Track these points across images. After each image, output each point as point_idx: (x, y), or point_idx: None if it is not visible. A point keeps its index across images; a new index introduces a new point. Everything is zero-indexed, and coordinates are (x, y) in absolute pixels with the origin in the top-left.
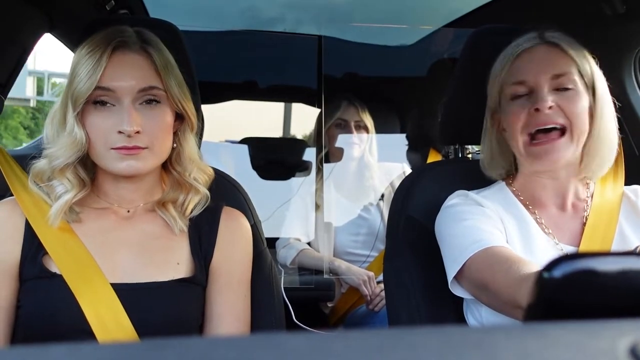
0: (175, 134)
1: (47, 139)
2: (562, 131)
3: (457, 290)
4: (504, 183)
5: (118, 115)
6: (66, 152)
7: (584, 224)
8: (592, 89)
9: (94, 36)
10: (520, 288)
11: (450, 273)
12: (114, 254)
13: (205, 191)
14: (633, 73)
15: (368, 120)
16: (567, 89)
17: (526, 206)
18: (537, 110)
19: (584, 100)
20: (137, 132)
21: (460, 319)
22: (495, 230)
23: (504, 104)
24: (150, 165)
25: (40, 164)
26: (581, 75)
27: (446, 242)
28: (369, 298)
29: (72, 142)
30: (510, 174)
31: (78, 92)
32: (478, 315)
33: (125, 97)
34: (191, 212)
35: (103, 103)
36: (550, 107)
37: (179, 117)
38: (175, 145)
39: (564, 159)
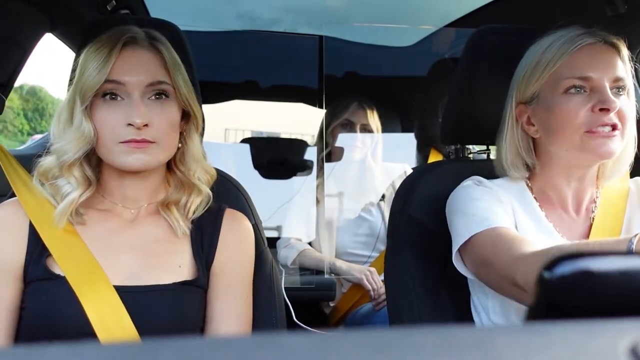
0: (180, 133)
1: (54, 136)
2: (614, 127)
3: (459, 266)
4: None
5: (127, 109)
6: (74, 146)
7: (592, 221)
8: (627, 93)
9: (102, 35)
10: (517, 265)
11: (455, 245)
12: (117, 256)
13: (207, 191)
14: (633, 73)
15: (375, 124)
16: (621, 94)
17: (539, 205)
18: (602, 110)
19: (630, 104)
20: (146, 125)
21: (462, 318)
22: (505, 213)
23: (552, 98)
24: (157, 160)
25: (47, 161)
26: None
27: (455, 218)
28: (372, 293)
29: (80, 135)
30: (532, 172)
31: (87, 85)
32: (485, 307)
33: (135, 90)
34: (194, 213)
35: (112, 97)
36: (614, 109)
37: (185, 117)
38: (180, 144)
39: (616, 153)
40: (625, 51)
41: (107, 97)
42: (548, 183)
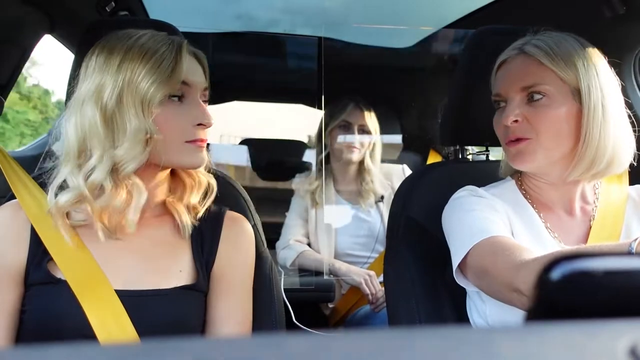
0: None
1: (99, 146)
2: (519, 139)
3: (461, 280)
4: (513, 181)
5: (193, 109)
6: (140, 150)
7: (591, 227)
8: (577, 94)
9: (142, 38)
10: (518, 271)
11: (456, 260)
12: (118, 261)
13: (212, 184)
14: (633, 74)
15: (373, 125)
16: (537, 100)
17: (534, 208)
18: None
19: (561, 108)
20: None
21: (460, 320)
22: (501, 222)
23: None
24: (206, 158)
25: (97, 175)
26: (563, 82)
27: (453, 231)
28: (370, 297)
29: (142, 139)
30: (522, 173)
31: (156, 88)
32: (482, 313)
33: (197, 92)
34: (199, 210)
35: (173, 99)
36: (516, 121)
37: None
38: None
39: (534, 162)
40: (550, 55)
41: (175, 98)
42: (534, 186)
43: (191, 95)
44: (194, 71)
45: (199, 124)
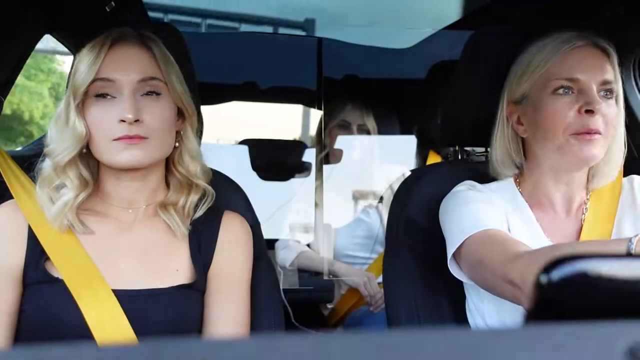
0: (177, 133)
1: (50, 139)
2: (596, 132)
3: (455, 271)
4: (511, 179)
5: (119, 106)
6: (68, 145)
7: (582, 225)
8: (616, 98)
9: (96, 38)
10: (513, 263)
11: (450, 250)
12: (115, 260)
13: (210, 189)
14: (632, 75)
15: (371, 124)
16: (609, 97)
17: (531, 207)
18: (588, 112)
19: (618, 109)
20: (137, 120)
21: (460, 321)
22: (497, 216)
23: (540, 98)
24: (152, 157)
25: (46, 166)
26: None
27: (449, 222)
28: (369, 299)
29: (72, 134)
30: (521, 172)
31: (78, 84)
32: (481, 313)
33: (126, 87)
34: (194, 212)
35: (104, 96)
36: (599, 112)
37: (181, 115)
38: (177, 144)
39: (597, 158)
40: (615, 57)
41: (100, 97)
42: (536, 185)
43: (117, 92)
44: (118, 66)
45: (121, 120)
